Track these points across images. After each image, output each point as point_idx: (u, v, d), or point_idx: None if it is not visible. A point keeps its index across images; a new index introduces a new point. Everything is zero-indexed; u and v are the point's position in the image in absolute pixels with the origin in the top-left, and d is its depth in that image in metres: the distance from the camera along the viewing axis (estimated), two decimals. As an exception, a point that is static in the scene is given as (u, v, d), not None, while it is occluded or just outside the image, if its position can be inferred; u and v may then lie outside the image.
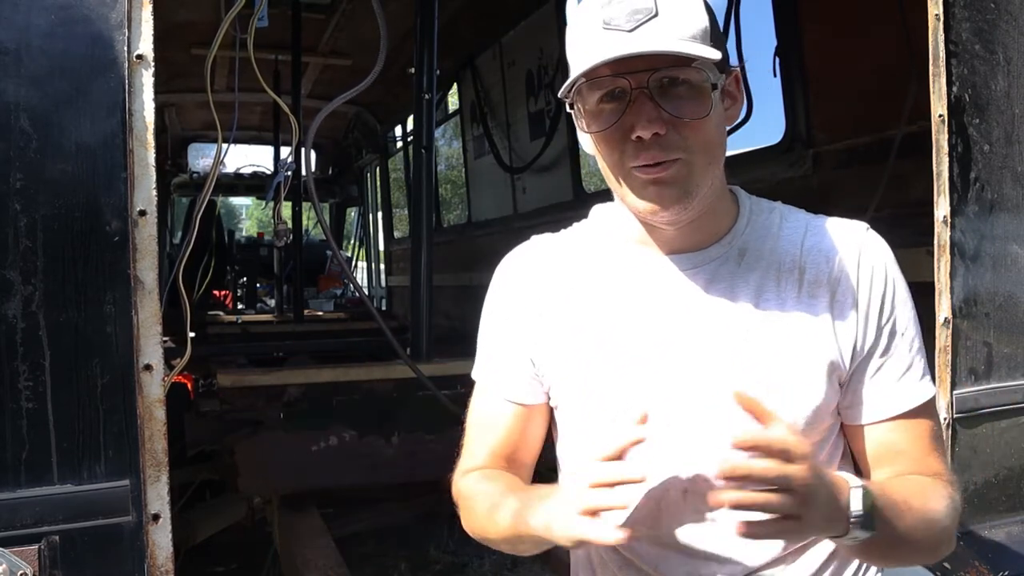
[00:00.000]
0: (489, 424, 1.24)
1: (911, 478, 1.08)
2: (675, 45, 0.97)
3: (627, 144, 1.02)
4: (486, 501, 1.14)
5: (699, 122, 1.01)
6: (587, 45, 1.01)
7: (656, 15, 0.99)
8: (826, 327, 1.09)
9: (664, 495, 1.06)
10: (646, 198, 1.04)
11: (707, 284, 1.12)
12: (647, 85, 0.99)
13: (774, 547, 1.10)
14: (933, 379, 1.17)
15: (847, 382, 1.11)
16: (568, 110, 1.07)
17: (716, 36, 1.04)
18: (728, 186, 1.17)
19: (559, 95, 1.06)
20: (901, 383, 1.10)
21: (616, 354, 1.14)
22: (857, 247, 1.11)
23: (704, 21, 1.02)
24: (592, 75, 1.00)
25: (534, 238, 1.26)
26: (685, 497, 1.08)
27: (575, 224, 1.26)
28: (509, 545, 1.15)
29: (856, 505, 0.95)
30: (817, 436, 1.11)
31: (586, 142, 1.12)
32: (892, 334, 1.10)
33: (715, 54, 0.99)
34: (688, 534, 1.11)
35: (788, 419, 1.07)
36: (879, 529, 0.96)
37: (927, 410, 1.12)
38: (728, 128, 1.11)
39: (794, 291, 1.10)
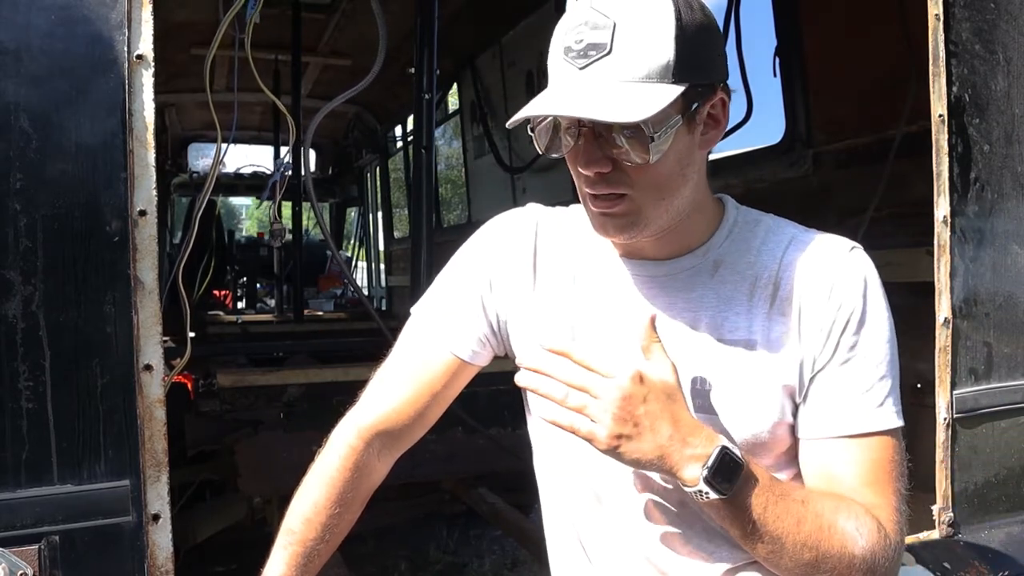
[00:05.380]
0: (417, 367, 1.22)
1: (832, 492, 1.03)
2: (612, 97, 0.94)
3: (580, 172, 1.04)
4: (290, 517, 1.18)
5: (643, 165, 1.00)
6: (551, 69, 1.02)
7: (608, 53, 0.96)
8: (790, 344, 1.07)
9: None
10: (596, 225, 1.07)
11: (677, 293, 1.12)
12: (591, 125, 0.99)
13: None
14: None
15: (803, 396, 1.09)
16: (529, 132, 1.07)
17: (688, 65, 0.97)
18: (717, 195, 1.16)
19: (507, 125, 1.04)
20: (852, 404, 1.05)
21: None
22: (836, 265, 1.07)
23: (666, 55, 0.96)
24: (537, 116, 1.00)
25: (531, 206, 1.26)
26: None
27: (573, 205, 1.25)
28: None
29: (712, 453, 0.94)
30: (780, 448, 1.10)
31: None
32: (854, 354, 1.05)
33: (662, 98, 0.95)
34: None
35: (747, 434, 1.07)
36: (739, 498, 0.94)
37: (882, 442, 1.05)
38: (727, 130, 1.11)
39: (765, 307, 1.08)
